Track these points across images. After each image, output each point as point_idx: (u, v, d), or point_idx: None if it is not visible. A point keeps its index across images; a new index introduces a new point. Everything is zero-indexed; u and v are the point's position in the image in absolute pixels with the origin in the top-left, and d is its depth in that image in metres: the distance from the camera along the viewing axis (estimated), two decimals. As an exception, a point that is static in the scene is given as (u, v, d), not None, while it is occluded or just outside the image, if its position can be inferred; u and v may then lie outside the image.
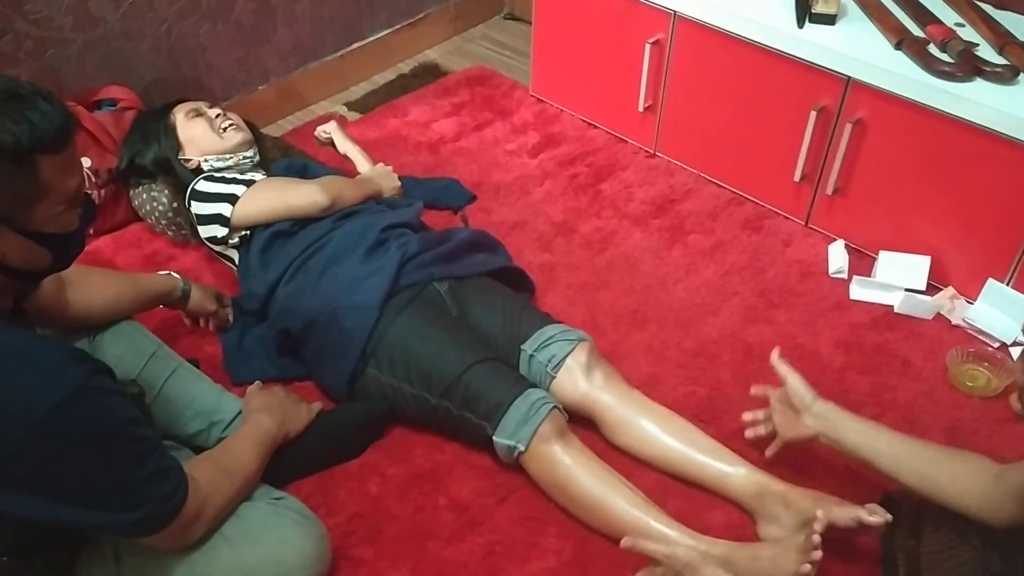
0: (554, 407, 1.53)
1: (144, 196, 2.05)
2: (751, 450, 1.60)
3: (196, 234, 2.04)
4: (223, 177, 1.90)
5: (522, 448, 1.51)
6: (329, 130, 2.38)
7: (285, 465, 1.54)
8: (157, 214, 2.05)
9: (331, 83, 2.73)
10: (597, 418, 1.64)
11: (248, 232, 1.85)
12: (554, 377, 1.64)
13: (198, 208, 1.88)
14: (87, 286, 1.51)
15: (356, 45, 2.76)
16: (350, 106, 2.69)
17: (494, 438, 1.54)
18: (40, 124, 1.02)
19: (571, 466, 1.50)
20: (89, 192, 2.03)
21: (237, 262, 1.90)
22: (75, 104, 2.03)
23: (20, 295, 1.28)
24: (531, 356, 1.66)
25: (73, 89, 2.12)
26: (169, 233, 2.09)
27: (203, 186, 1.88)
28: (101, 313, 1.54)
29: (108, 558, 1.27)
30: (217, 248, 1.91)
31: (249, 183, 1.86)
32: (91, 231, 2.12)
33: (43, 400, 1.02)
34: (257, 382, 1.68)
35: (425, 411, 1.61)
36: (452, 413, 1.57)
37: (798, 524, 1.45)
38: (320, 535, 1.38)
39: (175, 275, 1.75)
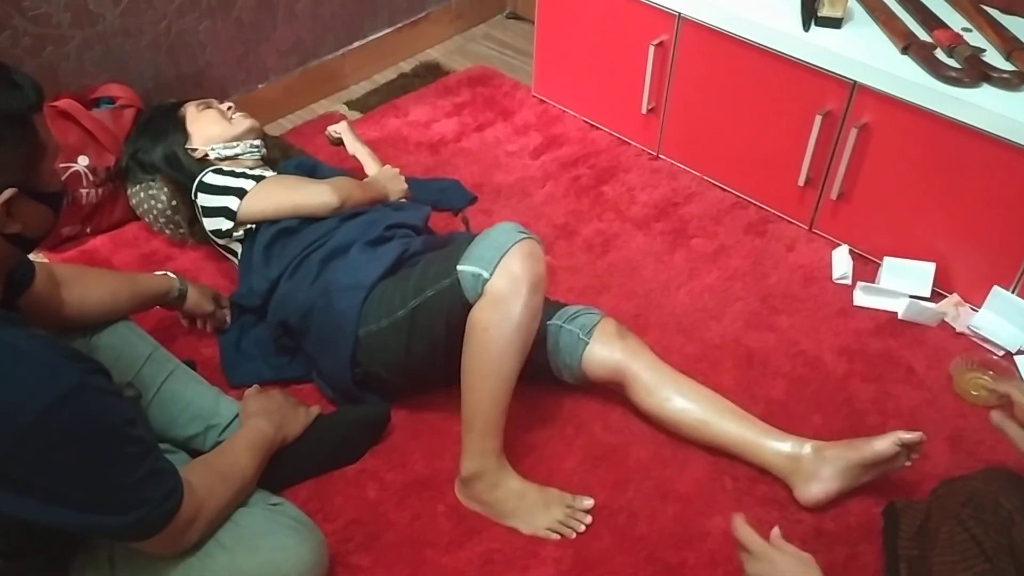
0: (530, 238, 1.47)
1: (142, 195, 2.03)
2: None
3: (194, 233, 2.02)
4: (232, 171, 1.89)
5: (487, 276, 1.42)
6: (340, 130, 2.36)
7: (282, 470, 1.52)
8: (155, 212, 2.03)
9: (331, 82, 2.72)
10: (630, 380, 1.64)
11: (253, 227, 1.83)
12: (587, 343, 1.64)
13: (205, 200, 1.86)
14: (82, 285, 1.50)
15: (357, 44, 2.74)
16: (351, 105, 2.68)
17: (458, 267, 1.46)
18: (24, 85, 1.05)
19: (524, 323, 1.42)
20: (85, 189, 2.02)
21: (239, 256, 1.88)
22: (73, 102, 2.01)
23: (14, 292, 1.27)
24: (561, 327, 1.66)
25: (71, 87, 2.10)
26: (167, 232, 2.07)
27: (211, 178, 1.87)
28: (97, 313, 1.52)
29: (103, 563, 1.25)
30: (221, 241, 1.89)
31: (258, 179, 1.85)
32: (88, 229, 2.11)
33: (37, 399, 1.01)
34: (255, 385, 1.67)
35: (420, 327, 1.53)
36: (435, 296, 1.50)
37: (837, 473, 1.50)
38: (317, 542, 1.36)
39: (172, 275, 1.73)
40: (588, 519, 1.53)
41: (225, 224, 1.82)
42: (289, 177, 1.91)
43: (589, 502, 1.54)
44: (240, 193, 1.81)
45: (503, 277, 1.42)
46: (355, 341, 1.60)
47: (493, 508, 1.52)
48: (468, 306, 1.46)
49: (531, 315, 1.45)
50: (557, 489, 1.55)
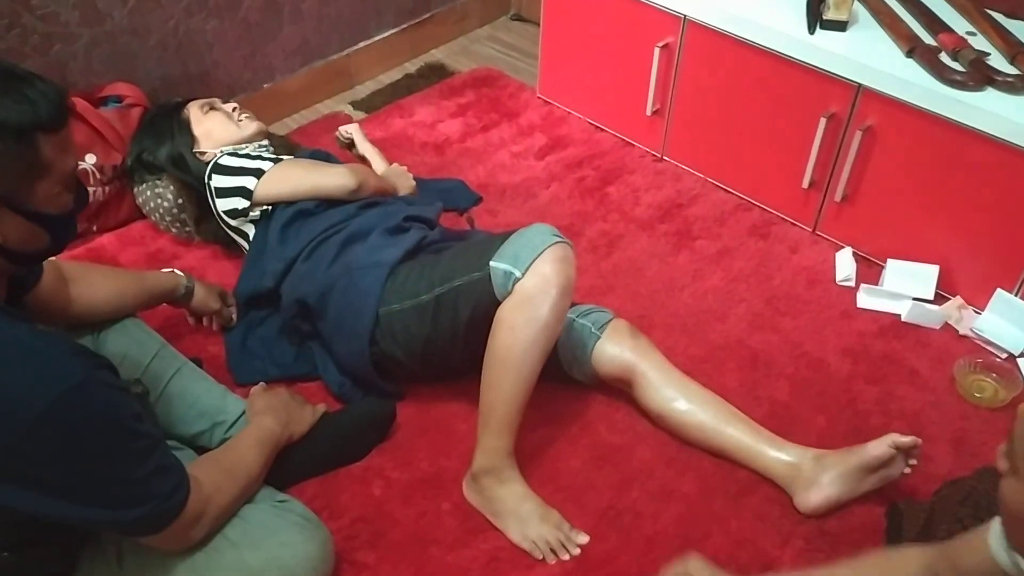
0: (564, 242, 1.48)
1: (148, 193, 2.04)
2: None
3: (200, 231, 2.03)
4: (248, 154, 1.90)
5: (518, 275, 1.44)
6: (351, 131, 2.38)
7: (288, 467, 1.53)
8: (162, 211, 2.04)
9: (337, 82, 2.72)
10: (638, 378, 1.65)
11: (269, 208, 1.83)
12: (599, 337, 1.66)
13: (220, 181, 1.85)
14: (89, 283, 1.50)
15: (362, 44, 2.75)
16: (356, 105, 2.68)
17: (491, 263, 1.47)
18: (39, 102, 1.04)
19: (550, 323, 1.44)
20: (92, 187, 2.03)
21: (252, 239, 1.87)
22: (81, 100, 2.02)
23: (20, 289, 1.27)
24: (574, 320, 1.67)
25: (79, 85, 2.11)
26: (173, 230, 2.08)
27: (227, 160, 1.87)
28: (104, 309, 1.53)
29: (110, 558, 1.26)
30: (234, 222, 1.88)
31: (276, 161, 1.86)
32: (95, 228, 2.12)
33: (44, 394, 1.01)
34: (261, 383, 1.67)
35: (443, 315, 1.55)
36: (463, 287, 1.52)
37: (836, 479, 1.51)
38: (323, 539, 1.37)
39: (179, 272, 1.74)
40: (576, 551, 1.49)
41: (241, 203, 1.82)
42: (306, 160, 1.93)
43: (584, 538, 1.51)
44: (258, 173, 1.82)
45: (534, 278, 1.43)
46: (375, 319, 1.60)
47: (492, 505, 1.53)
48: (495, 302, 1.47)
49: (557, 318, 1.46)
50: (559, 514, 1.54)
